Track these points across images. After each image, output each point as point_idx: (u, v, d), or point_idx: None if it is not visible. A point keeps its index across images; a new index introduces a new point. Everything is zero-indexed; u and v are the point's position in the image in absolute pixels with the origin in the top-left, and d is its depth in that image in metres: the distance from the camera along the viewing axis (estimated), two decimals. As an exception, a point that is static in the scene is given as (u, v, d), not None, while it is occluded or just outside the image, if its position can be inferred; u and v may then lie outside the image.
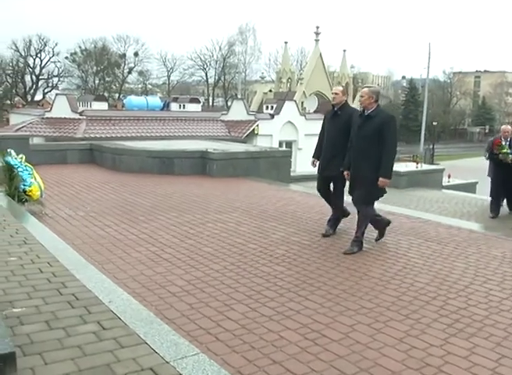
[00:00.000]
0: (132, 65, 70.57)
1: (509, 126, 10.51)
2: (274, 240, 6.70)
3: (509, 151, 10.09)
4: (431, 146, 52.34)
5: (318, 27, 45.65)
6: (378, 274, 5.46)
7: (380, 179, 6.09)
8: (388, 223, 6.81)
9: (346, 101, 7.02)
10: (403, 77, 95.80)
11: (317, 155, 7.25)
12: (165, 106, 37.75)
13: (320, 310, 4.45)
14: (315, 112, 34.09)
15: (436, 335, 4.02)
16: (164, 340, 3.35)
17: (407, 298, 4.78)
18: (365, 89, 6.32)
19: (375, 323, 4.20)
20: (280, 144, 29.21)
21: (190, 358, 3.14)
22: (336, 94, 6.91)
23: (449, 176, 17.25)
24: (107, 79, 69.82)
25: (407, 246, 6.59)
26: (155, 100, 39.69)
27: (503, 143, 10.17)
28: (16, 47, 62.53)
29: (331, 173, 6.92)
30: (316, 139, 7.38)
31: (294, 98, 35.74)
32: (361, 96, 6.27)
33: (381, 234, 6.79)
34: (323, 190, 7.27)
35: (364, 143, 6.13)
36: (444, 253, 6.32)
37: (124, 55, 69.62)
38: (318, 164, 7.20)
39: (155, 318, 3.77)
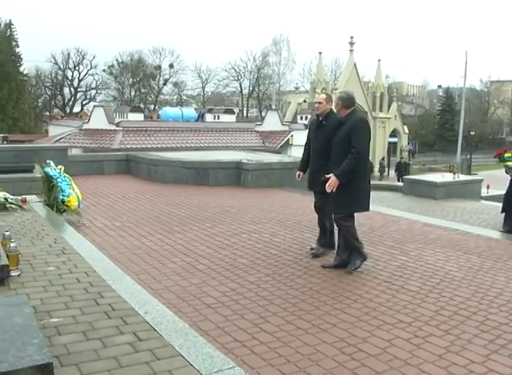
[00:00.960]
0: (167, 76, 71.46)
1: None
2: (309, 251, 6.63)
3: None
4: (468, 156, 51.40)
5: (352, 37, 45.60)
6: (416, 287, 5.34)
7: (332, 176, 5.72)
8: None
9: (331, 109, 6.52)
10: (439, 86, 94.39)
11: (302, 167, 6.78)
12: (200, 117, 38.13)
13: (357, 324, 4.38)
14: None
15: (477, 351, 3.90)
16: (199, 352, 3.33)
17: (446, 313, 4.67)
18: (335, 96, 6.19)
19: (413, 338, 4.11)
20: (314, 154, 29.10)
21: (225, 372, 3.11)
22: (319, 103, 6.46)
23: (487, 187, 16.84)
24: (143, 90, 70.81)
25: (445, 258, 6.45)
26: (190, 111, 40.18)
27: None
28: (55, 60, 64.23)
29: (321, 189, 6.04)
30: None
31: (328, 109, 35.60)
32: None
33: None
34: (320, 207, 6.60)
35: (336, 149, 5.89)
36: (484, 266, 6.17)
37: (159, 67, 70.52)
38: (308, 178, 6.64)
39: (190, 330, 3.76)
